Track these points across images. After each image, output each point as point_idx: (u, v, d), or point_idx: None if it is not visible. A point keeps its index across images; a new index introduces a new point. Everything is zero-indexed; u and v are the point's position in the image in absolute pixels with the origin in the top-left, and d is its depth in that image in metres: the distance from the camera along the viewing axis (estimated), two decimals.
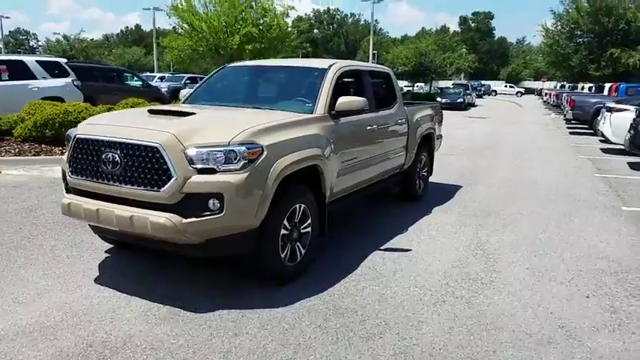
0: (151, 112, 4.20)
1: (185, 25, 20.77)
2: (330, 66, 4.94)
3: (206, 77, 5.65)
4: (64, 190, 3.99)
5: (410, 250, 4.89)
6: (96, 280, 4.00)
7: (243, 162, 3.46)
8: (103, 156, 3.61)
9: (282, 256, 3.88)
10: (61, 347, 3.00)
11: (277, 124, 3.94)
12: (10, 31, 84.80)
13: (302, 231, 4.13)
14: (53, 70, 12.33)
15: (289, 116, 4.26)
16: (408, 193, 6.82)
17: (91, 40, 62.72)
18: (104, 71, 18.07)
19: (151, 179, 3.44)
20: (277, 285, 3.92)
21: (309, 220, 4.18)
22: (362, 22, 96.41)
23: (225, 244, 3.59)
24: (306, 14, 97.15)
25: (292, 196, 3.94)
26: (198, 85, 5.57)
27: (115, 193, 3.60)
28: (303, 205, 4.06)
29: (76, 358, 2.90)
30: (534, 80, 74.92)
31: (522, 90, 67.40)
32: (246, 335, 3.20)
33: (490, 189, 7.87)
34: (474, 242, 5.19)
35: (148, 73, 36.96)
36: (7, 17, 59.37)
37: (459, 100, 31.60)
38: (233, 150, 3.44)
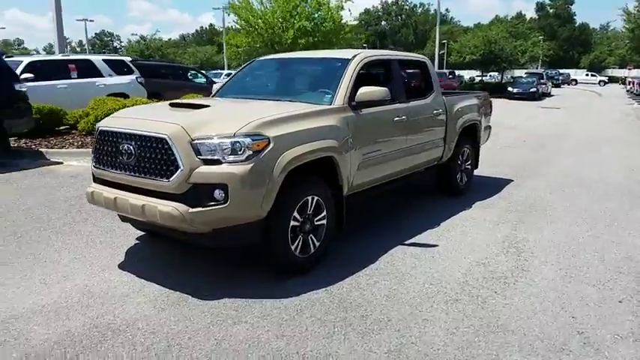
0: (172, 105, 4.31)
1: (242, 22, 21.19)
2: (355, 56, 4.83)
3: (236, 70, 5.72)
4: (92, 180, 4.20)
5: (436, 245, 4.70)
6: (119, 265, 4.18)
7: (248, 153, 3.46)
8: (120, 147, 3.75)
9: (293, 247, 3.86)
10: (69, 327, 3.17)
11: (288, 115, 3.90)
12: (95, 33, 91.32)
13: (316, 223, 4.08)
14: (119, 68, 13.06)
15: (305, 107, 4.21)
16: (448, 187, 6.56)
17: (168, 39, 65.86)
18: (172, 69, 18.97)
19: (160, 169, 3.54)
20: (288, 276, 3.91)
21: (324, 213, 4.12)
22: (432, 12, 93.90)
23: (232, 233, 3.61)
24: (373, 6, 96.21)
25: (304, 188, 3.90)
26: (229, 78, 5.65)
27: (131, 182, 3.73)
28: (316, 197, 4.01)
29: (80, 338, 3.05)
30: (619, 68, 69.55)
31: (605, 79, 62.65)
32: (244, 324, 3.22)
33: (543, 184, 7.39)
34: (509, 239, 4.90)
35: (219, 70, 38.20)
36: (91, 20, 63.89)
37: (531, 90, 30.02)
38: (238, 141, 3.45)
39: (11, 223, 5.28)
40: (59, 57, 12.34)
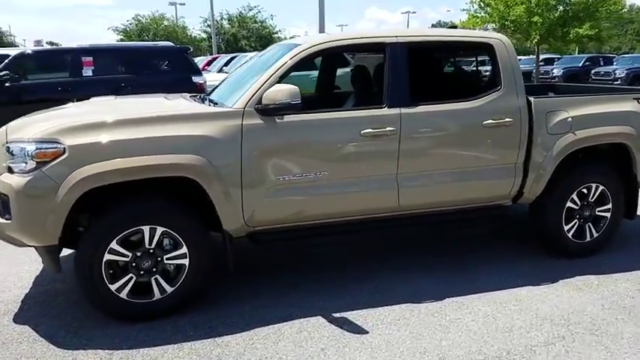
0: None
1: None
2: (307, 43, 3.49)
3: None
4: None
5: (365, 333, 3.01)
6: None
7: (32, 164, 2.90)
8: None
9: (114, 287, 3.07)
10: None
11: (123, 119, 3.10)
12: (432, 25, 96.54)
13: (167, 262, 3.16)
14: None
15: (183, 109, 3.40)
16: (545, 240, 4.16)
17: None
18: None
19: None
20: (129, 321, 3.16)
21: (183, 250, 3.15)
22: None
23: (44, 254, 3.13)
24: None
25: (132, 214, 3.06)
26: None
27: None
28: (161, 229, 3.09)
29: None
30: None
31: None
32: None
33: None
34: (505, 351, 2.74)
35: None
36: (413, 12, 67.36)
37: None
38: (25, 148, 2.93)
39: None
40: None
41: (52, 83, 8.46)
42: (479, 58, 4.40)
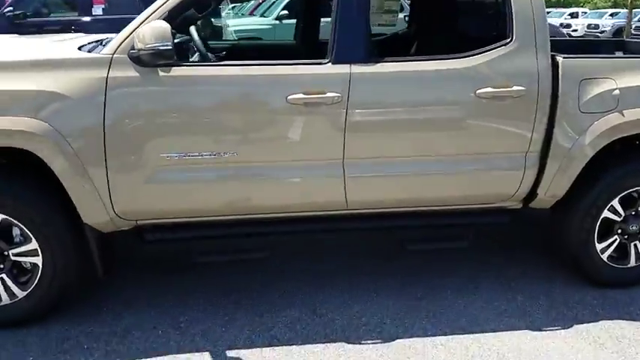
0: None
1: None
2: None
3: None
4: None
5: None
6: None
7: None
8: None
9: None
10: None
11: None
12: None
13: (14, 259, 2.39)
14: None
15: (36, 54, 2.53)
16: (567, 261, 2.99)
17: None
18: None
19: None
20: None
21: (34, 245, 2.35)
22: None
23: None
24: None
25: None
26: None
27: None
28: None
29: None
30: None
31: None
32: None
33: None
34: None
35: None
36: None
37: None
38: None
39: None
40: None
41: (57, 21, 7.87)
42: None
